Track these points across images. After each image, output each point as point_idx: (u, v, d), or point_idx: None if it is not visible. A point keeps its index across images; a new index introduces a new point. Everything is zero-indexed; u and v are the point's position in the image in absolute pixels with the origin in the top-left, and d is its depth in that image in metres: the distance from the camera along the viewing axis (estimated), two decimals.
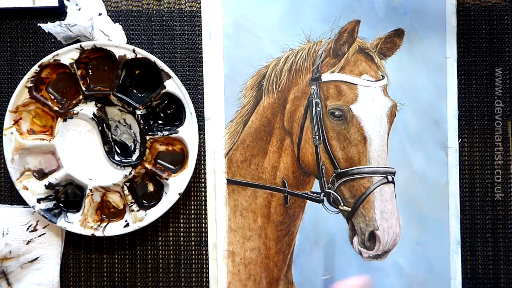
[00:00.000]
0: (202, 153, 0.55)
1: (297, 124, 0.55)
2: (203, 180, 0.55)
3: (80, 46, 0.53)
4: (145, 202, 0.56)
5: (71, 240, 0.56)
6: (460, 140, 0.55)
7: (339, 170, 0.54)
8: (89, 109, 0.54)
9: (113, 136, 0.56)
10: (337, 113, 0.55)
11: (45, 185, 0.54)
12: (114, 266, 0.56)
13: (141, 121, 0.54)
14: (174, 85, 0.53)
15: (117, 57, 0.53)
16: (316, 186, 0.55)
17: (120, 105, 0.55)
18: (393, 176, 0.55)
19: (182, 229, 0.56)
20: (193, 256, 0.55)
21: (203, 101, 0.55)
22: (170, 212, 0.55)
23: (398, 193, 0.55)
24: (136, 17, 0.56)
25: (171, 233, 0.56)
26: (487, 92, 0.56)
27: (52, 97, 0.55)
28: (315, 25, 0.55)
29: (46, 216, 0.53)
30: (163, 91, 0.53)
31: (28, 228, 0.55)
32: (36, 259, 0.55)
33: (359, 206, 0.54)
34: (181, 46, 0.56)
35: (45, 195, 0.54)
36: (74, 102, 0.54)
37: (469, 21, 0.56)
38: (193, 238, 0.55)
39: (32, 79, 0.53)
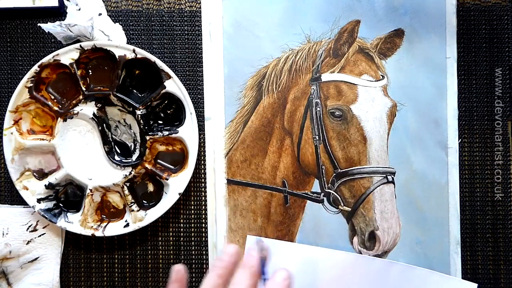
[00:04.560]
0: (202, 153, 0.55)
1: (297, 124, 0.55)
2: (203, 180, 0.55)
3: (80, 46, 0.53)
4: (145, 202, 0.56)
5: (71, 240, 0.56)
6: (460, 140, 0.55)
7: (339, 170, 0.54)
8: (89, 109, 0.54)
9: (113, 136, 0.56)
10: (337, 113, 0.55)
11: (45, 185, 0.54)
12: (114, 266, 0.56)
13: (141, 121, 0.54)
14: (174, 85, 0.53)
15: (117, 57, 0.53)
16: (316, 186, 0.55)
17: (120, 105, 0.55)
18: (393, 176, 0.55)
19: (182, 229, 0.56)
20: (193, 256, 0.55)
21: (203, 101, 0.55)
22: (170, 212, 0.55)
23: (398, 193, 0.55)
24: (136, 17, 0.56)
25: (171, 233, 0.56)
26: (487, 92, 0.56)
27: (52, 97, 0.55)
28: (315, 25, 0.55)
29: (46, 216, 0.53)
30: (163, 91, 0.53)
31: (28, 228, 0.55)
32: (36, 259, 0.55)
33: (359, 206, 0.54)
34: (181, 46, 0.56)
35: (45, 195, 0.54)
36: (74, 102, 0.54)
37: (469, 21, 0.56)
38: (193, 238, 0.55)
39: (32, 79, 0.53)
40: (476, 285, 0.53)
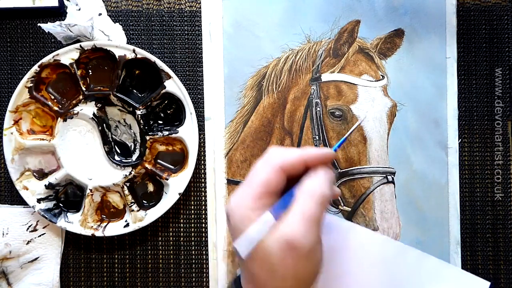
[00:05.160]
0: (202, 153, 0.55)
1: (297, 124, 0.55)
2: (203, 180, 0.55)
3: (80, 46, 0.53)
4: (145, 202, 0.56)
5: (71, 240, 0.56)
6: (460, 140, 0.55)
7: (339, 170, 0.54)
8: (89, 109, 0.54)
9: (113, 136, 0.56)
10: (337, 113, 0.55)
11: (45, 185, 0.54)
12: (114, 266, 0.56)
13: (141, 121, 0.54)
14: (174, 85, 0.53)
15: (117, 57, 0.53)
16: None
17: (120, 105, 0.55)
18: (393, 176, 0.55)
19: (182, 229, 0.56)
20: (193, 256, 0.55)
21: (203, 101, 0.55)
22: (170, 212, 0.55)
23: (398, 193, 0.55)
24: (136, 17, 0.56)
25: (171, 233, 0.56)
26: (487, 92, 0.56)
27: (52, 97, 0.55)
28: (315, 25, 0.55)
29: (46, 216, 0.53)
30: (163, 91, 0.53)
31: (28, 228, 0.55)
32: (36, 259, 0.55)
33: (359, 206, 0.54)
34: (181, 46, 0.56)
35: (45, 195, 0.54)
36: (74, 102, 0.54)
37: (469, 21, 0.56)
38: (193, 238, 0.55)
39: (32, 79, 0.53)
40: (488, 283, 0.53)
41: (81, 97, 0.54)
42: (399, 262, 0.52)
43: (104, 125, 0.55)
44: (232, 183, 0.55)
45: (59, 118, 0.54)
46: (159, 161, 0.55)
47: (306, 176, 0.40)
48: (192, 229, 0.56)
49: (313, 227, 0.37)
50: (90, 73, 0.55)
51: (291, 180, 0.40)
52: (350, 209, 0.54)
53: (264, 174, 0.39)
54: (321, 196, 0.38)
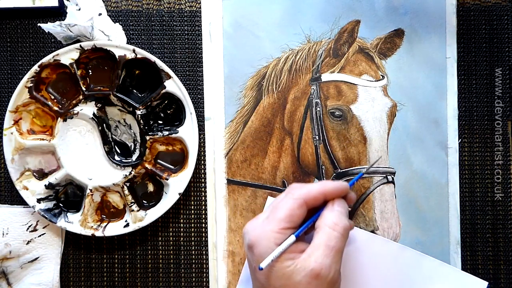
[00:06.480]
0: (202, 153, 0.55)
1: (297, 124, 0.55)
2: (203, 180, 0.55)
3: (80, 46, 0.53)
4: (145, 202, 0.56)
5: (71, 240, 0.56)
6: (460, 140, 0.55)
7: (339, 170, 0.54)
8: (89, 109, 0.54)
9: (113, 136, 0.56)
10: (337, 113, 0.55)
11: (45, 185, 0.54)
12: (114, 266, 0.56)
13: (141, 121, 0.54)
14: (174, 85, 0.53)
15: (117, 57, 0.53)
16: None
17: (120, 105, 0.55)
18: (393, 176, 0.55)
19: (182, 229, 0.56)
20: (193, 256, 0.55)
21: (203, 101, 0.55)
22: (170, 212, 0.55)
23: (398, 193, 0.55)
24: (136, 17, 0.56)
25: (171, 233, 0.56)
26: (487, 92, 0.56)
27: (52, 97, 0.55)
28: (315, 25, 0.55)
29: (46, 216, 0.53)
30: (163, 91, 0.53)
31: (28, 228, 0.55)
32: (36, 259, 0.55)
33: (359, 206, 0.54)
34: (181, 46, 0.56)
35: (45, 195, 0.54)
36: (74, 102, 0.54)
37: (469, 21, 0.56)
38: (193, 238, 0.55)
39: (32, 79, 0.53)
40: (486, 283, 0.53)
41: (81, 97, 0.54)
42: (397, 262, 0.52)
43: (104, 125, 0.55)
44: (232, 183, 0.55)
45: (59, 118, 0.54)
46: (159, 161, 0.55)
47: (326, 209, 0.44)
48: (192, 229, 0.56)
49: (336, 257, 0.42)
50: (90, 73, 0.55)
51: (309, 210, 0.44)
52: (350, 209, 0.54)
53: (288, 209, 0.43)
54: (343, 228, 0.43)
